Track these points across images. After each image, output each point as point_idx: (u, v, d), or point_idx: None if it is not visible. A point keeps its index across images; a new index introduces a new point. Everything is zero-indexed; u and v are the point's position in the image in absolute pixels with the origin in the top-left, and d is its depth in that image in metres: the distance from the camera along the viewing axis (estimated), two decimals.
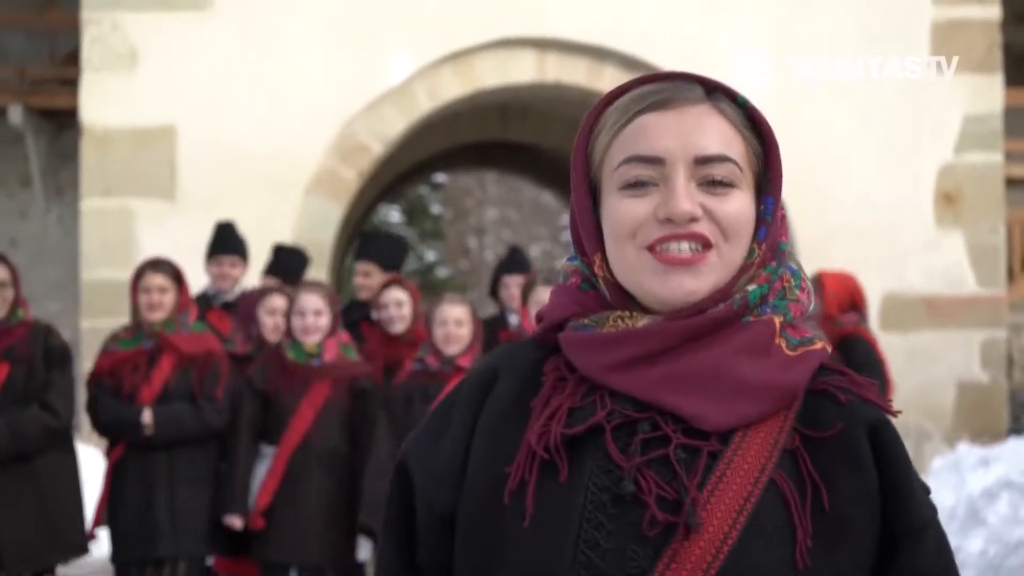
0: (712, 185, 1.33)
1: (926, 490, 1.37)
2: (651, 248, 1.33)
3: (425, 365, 5.27)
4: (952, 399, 10.42)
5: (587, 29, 10.16)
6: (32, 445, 5.06)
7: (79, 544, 5.24)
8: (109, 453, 5.44)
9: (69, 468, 5.24)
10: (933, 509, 1.36)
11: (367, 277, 6.88)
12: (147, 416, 5.22)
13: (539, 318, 1.43)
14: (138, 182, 10.14)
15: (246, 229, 7.36)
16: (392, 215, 27.68)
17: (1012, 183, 13.60)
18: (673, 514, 1.26)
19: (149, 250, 8.33)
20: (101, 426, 5.35)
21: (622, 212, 1.34)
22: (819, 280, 6.13)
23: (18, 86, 13.27)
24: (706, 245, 1.33)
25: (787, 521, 1.27)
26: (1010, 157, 13.15)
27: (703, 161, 1.33)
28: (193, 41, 10.17)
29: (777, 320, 1.36)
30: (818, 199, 10.17)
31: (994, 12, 10.64)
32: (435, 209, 29.27)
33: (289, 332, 5.45)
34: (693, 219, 1.32)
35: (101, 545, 6.01)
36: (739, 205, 1.34)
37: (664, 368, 1.32)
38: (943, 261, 10.36)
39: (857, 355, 5.91)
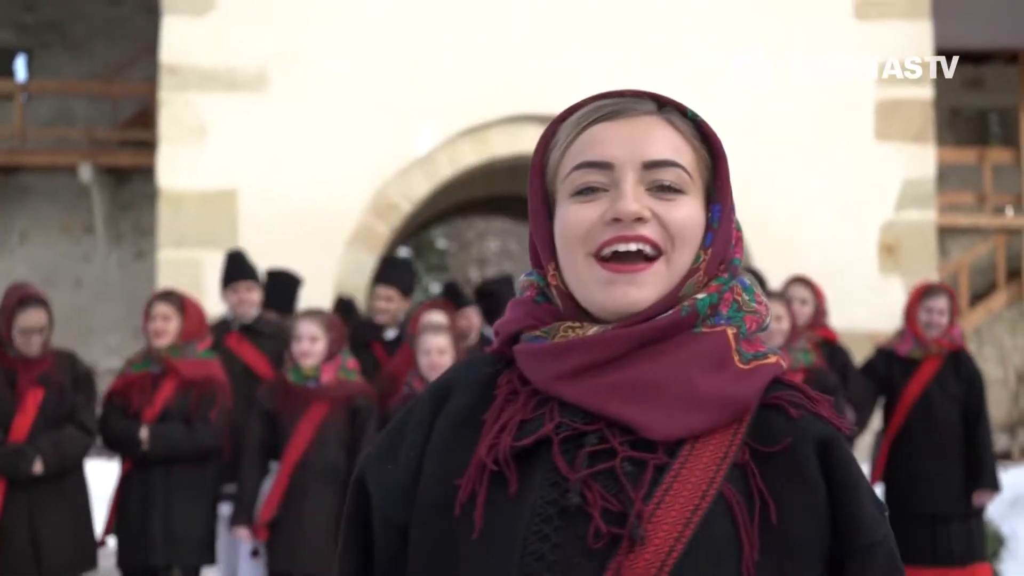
0: (661, 191, 1.28)
1: (881, 508, 1.29)
2: (598, 255, 1.27)
3: (412, 390, 5.26)
4: None
5: None
6: (74, 462, 5.21)
7: (93, 556, 5.34)
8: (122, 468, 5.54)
9: (84, 484, 5.35)
10: (886, 528, 1.29)
11: (388, 302, 6.69)
12: (144, 432, 5.37)
13: (496, 332, 1.38)
14: (205, 236, 10.74)
15: None
16: (402, 250, 27.95)
17: (955, 231, 14.44)
18: (619, 527, 1.20)
19: (214, 293, 8.08)
20: (107, 440, 5.48)
21: (572, 217, 1.29)
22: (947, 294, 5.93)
23: (86, 147, 14.09)
24: (655, 249, 1.27)
25: (735, 536, 1.22)
26: (955, 208, 14.03)
27: (652, 165, 1.28)
28: (252, 117, 10.92)
29: (731, 332, 1.29)
30: (781, 246, 10.82)
31: (927, 92, 11.65)
32: (440, 244, 29.33)
33: (291, 356, 5.50)
34: (640, 219, 1.26)
35: (107, 554, 6.00)
36: (688, 211, 1.29)
37: (613, 377, 1.26)
38: (886, 302, 10.83)
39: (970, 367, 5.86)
